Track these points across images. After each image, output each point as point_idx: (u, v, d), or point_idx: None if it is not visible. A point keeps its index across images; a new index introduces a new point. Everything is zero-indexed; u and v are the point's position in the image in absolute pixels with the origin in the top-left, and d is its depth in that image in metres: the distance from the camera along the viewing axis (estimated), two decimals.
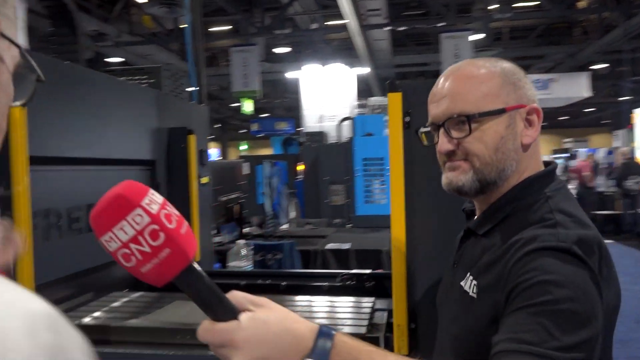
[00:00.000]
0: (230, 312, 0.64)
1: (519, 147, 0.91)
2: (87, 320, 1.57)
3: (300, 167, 5.57)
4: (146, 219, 0.57)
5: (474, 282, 0.86)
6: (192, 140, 2.34)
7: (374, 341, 1.41)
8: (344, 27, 9.35)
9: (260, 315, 0.65)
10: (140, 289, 1.98)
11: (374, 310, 1.66)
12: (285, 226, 4.26)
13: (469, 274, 0.89)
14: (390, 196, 1.51)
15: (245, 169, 5.25)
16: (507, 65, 0.96)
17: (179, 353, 1.35)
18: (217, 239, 3.58)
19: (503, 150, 0.91)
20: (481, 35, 10.80)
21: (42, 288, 1.63)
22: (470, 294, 0.86)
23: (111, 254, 0.58)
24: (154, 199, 0.59)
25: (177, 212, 0.61)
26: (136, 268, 0.58)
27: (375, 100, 8.39)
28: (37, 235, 1.56)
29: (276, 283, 2.08)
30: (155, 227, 0.57)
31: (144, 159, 2.18)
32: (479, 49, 10.94)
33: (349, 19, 8.25)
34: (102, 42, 11.55)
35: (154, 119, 2.24)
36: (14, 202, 1.33)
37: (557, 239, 0.79)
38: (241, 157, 8.08)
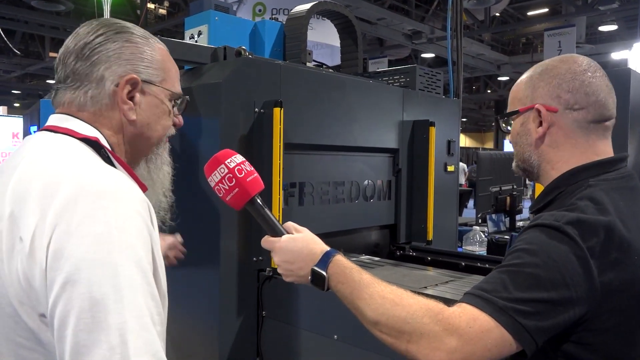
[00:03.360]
0: (279, 233, 1.04)
1: (533, 141, 1.05)
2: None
3: None
4: (225, 170, 0.99)
5: None
6: (432, 131, 2.62)
7: None
8: None
9: (294, 236, 1.04)
10: (370, 254, 2.41)
11: None
12: None
13: None
14: None
15: None
16: (551, 64, 1.04)
17: None
18: (476, 228, 3.74)
19: (519, 144, 1.08)
20: None
21: None
22: None
23: (213, 189, 1.01)
24: (234, 160, 1.02)
25: (249, 168, 1.03)
26: (224, 198, 1.01)
27: None
28: (294, 200, 2.16)
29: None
30: (230, 175, 1.01)
31: (388, 147, 2.59)
32: None
33: None
34: (419, 40, 12.55)
35: (399, 113, 2.62)
36: (272, 176, 1.92)
37: (554, 218, 0.89)
38: None
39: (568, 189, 1.00)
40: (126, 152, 0.98)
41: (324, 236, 2.32)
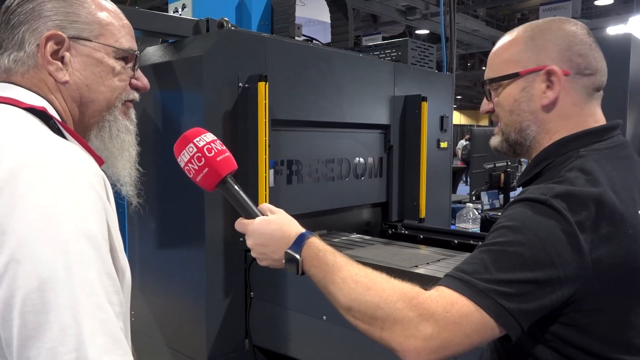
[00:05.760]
0: (253, 214, 0.99)
1: (537, 108, 0.95)
2: None
3: None
4: (194, 149, 0.92)
5: None
6: (425, 107, 2.55)
7: None
8: None
9: (268, 217, 0.98)
10: (361, 233, 2.37)
11: None
12: None
13: None
14: None
15: None
16: (551, 25, 0.95)
17: None
18: (470, 205, 3.70)
19: (517, 112, 0.97)
20: None
21: None
22: None
23: (183, 169, 0.94)
24: (204, 138, 0.95)
25: (220, 147, 0.96)
26: (194, 179, 0.95)
27: None
28: (281, 179, 2.10)
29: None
30: (199, 154, 0.94)
31: (379, 124, 2.52)
32: None
33: None
34: (413, 16, 12.35)
35: (390, 88, 2.55)
36: (259, 154, 1.85)
37: (540, 191, 0.82)
38: None
39: (557, 160, 0.93)
40: (73, 120, 0.90)
41: (313, 215, 2.31)
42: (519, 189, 1.02)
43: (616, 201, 0.83)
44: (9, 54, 0.85)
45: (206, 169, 0.95)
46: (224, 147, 0.98)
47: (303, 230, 0.98)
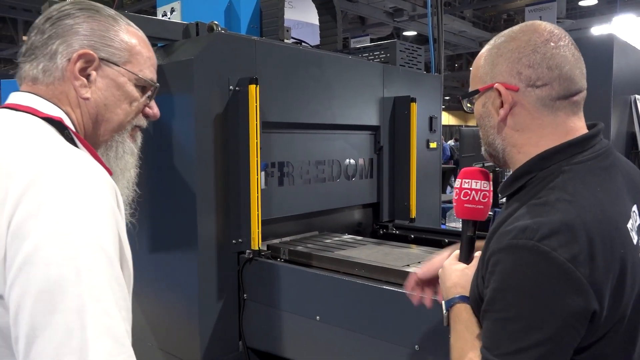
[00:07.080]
0: (463, 256, 1.09)
1: (497, 124, 0.96)
2: (299, 248, 2.05)
3: None
4: (487, 187, 1.05)
5: None
6: (414, 107, 2.58)
7: None
8: None
9: (456, 266, 1.06)
10: (353, 233, 2.38)
11: None
12: None
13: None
14: None
15: None
16: (510, 35, 0.95)
17: (352, 280, 1.68)
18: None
19: (483, 126, 0.99)
20: None
21: (276, 222, 2.19)
22: None
23: (461, 187, 1.06)
24: (470, 184, 1.07)
25: (475, 196, 1.05)
26: (462, 203, 1.06)
27: None
28: (273, 181, 2.11)
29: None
30: (456, 197, 1.05)
31: (369, 125, 2.54)
32: None
33: None
34: (400, 17, 12.41)
35: (379, 90, 2.57)
36: (250, 156, 1.86)
37: (526, 235, 0.80)
38: None
39: (539, 174, 0.90)
40: (86, 134, 0.94)
41: (305, 216, 2.32)
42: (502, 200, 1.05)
43: (604, 223, 0.82)
44: (39, 63, 0.90)
45: (455, 206, 1.10)
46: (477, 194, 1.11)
47: (460, 294, 1.03)
